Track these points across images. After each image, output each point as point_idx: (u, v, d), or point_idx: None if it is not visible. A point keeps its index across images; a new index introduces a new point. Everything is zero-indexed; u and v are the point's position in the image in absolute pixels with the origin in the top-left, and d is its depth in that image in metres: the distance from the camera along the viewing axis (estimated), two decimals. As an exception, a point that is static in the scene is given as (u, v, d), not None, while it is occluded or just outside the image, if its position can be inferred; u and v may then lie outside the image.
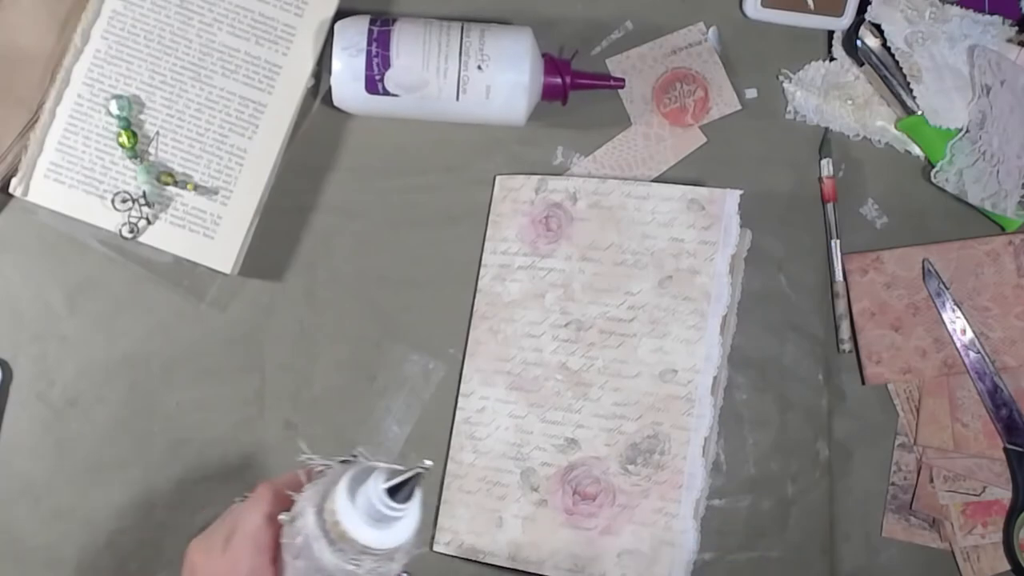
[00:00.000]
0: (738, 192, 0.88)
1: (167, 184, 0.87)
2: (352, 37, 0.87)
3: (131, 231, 0.87)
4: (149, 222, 0.88)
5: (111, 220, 0.87)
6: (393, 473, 0.62)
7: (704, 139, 0.93)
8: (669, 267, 0.89)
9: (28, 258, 0.90)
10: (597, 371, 0.89)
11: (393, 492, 0.61)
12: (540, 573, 0.88)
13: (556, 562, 0.87)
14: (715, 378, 0.87)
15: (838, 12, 0.92)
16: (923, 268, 0.92)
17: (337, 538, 0.62)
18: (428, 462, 0.61)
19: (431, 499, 0.91)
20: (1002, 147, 0.91)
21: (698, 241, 0.88)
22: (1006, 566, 0.91)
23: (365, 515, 0.62)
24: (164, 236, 0.88)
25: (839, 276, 0.92)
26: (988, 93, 0.91)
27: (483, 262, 0.92)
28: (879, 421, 0.92)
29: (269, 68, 0.89)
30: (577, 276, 0.90)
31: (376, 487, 0.61)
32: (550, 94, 0.90)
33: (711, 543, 0.89)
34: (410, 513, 0.63)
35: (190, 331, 0.91)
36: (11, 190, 0.87)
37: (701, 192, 0.89)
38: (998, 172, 0.91)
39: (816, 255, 0.93)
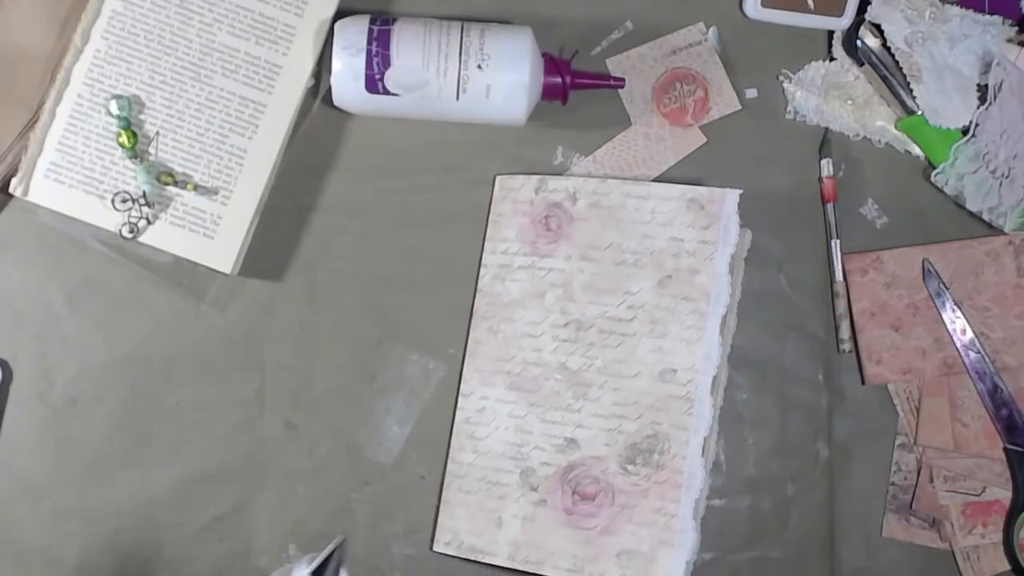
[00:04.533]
0: (737, 191, 0.88)
1: (167, 184, 0.87)
2: (352, 36, 0.87)
3: (131, 231, 0.87)
4: (149, 222, 0.88)
5: (111, 220, 0.88)
6: (313, 559, 0.63)
7: (704, 139, 0.93)
8: (669, 267, 0.89)
9: (28, 258, 0.90)
10: (596, 371, 0.89)
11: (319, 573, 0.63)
12: (539, 573, 0.88)
13: (555, 562, 0.87)
14: (715, 378, 0.87)
15: (838, 12, 0.92)
16: (923, 268, 0.92)
17: None
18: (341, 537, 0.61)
19: (431, 499, 0.91)
20: (1008, 162, 0.90)
21: (698, 240, 0.88)
22: (1006, 566, 0.91)
23: None
24: (164, 236, 0.88)
25: (839, 276, 0.92)
26: (997, 101, 0.90)
27: (483, 262, 0.92)
28: (879, 421, 0.92)
29: (269, 68, 0.89)
30: (577, 276, 0.90)
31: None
32: (550, 94, 0.90)
33: (711, 543, 0.89)
34: None
35: (190, 331, 0.91)
36: (11, 190, 0.87)
37: (700, 192, 0.89)
38: (1000, 185, 0.91)
39: (816, 255, 0.93)
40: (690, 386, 0.87)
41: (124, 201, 0.87)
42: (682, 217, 0.89)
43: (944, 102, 0.91)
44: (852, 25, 0.93)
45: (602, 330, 0.89)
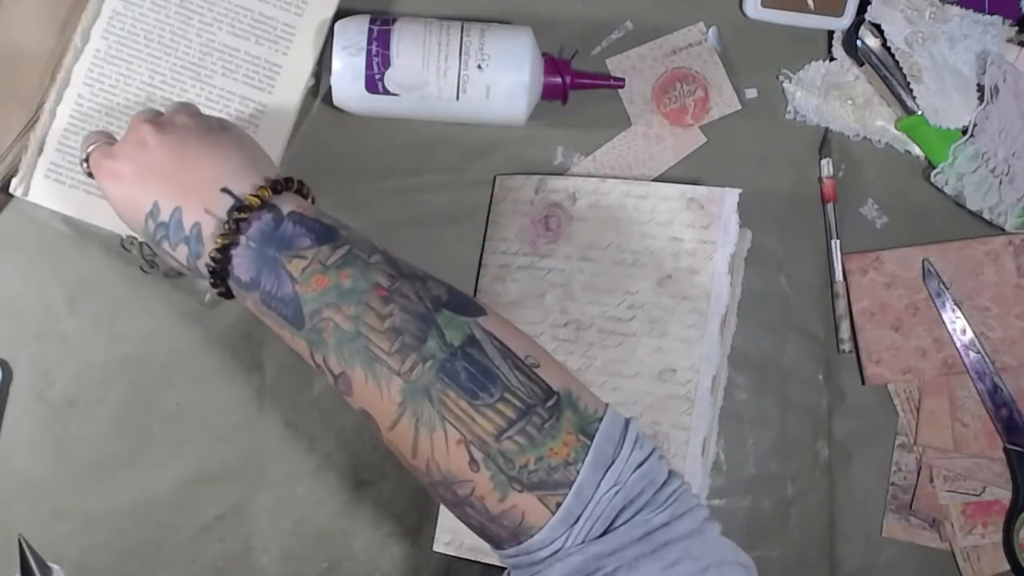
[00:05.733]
0: (737, 191, 0.88)
1: None
2: (352, 36, 0.87)
3: (151, 265, 0.88)
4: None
5: (111, 220, 0.87)
6: None
7: (704, 139, 0.93)
8: (668, 266, 0.89)
9: (28, 258, 0.90)
10: (596, 370, 0.89)
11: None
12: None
13: (556, 562, 0.87)
14: (715, 378, 0.87)
15: (838, 12, 0.92)
16: (923, 268, 0.92)
17: None
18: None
19: (431, 499, 0.91)
20: (1008, 160, 0.91)
21: (697, 240, 0.88)
22: (1006, 566, 0.91)
23: None
24: (164, 236, 0.88)
25: (839, 276, 0.92)
26: (995, 101, 0.90)
27: (483, 262, 0.92)
28: (879, 421, 0.92)
29: (269, 68, 0.89)
30: (576, 276, 0.90)
31: None
32: (550, 94, 0.90)
33: (711, 543, 0.89)
34: None
35: (190, 331, 0.91)
36: (11, 190, 0.87)
37: (700, 191, 0.89)
38: (1000, 183, 0.91)
39: (816, 255, 0.93)
40: (690, 386, 0.87)
41: (132, 243, 0.87)
42: (682, 217, 0.89)
43: (944, 102, 0.91)
44: (852, 25, 0.93)
45: (602, 330, 0.89)
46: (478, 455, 0.63)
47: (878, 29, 0.91)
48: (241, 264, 0.69)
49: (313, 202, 0.74)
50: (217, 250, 0.69)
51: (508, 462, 0.62)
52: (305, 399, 0.91)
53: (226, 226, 0.68)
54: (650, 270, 0.89)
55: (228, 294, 0.72)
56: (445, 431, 0.64)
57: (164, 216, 0.71)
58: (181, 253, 0.71)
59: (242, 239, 0.69)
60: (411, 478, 0.91)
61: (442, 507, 0.90)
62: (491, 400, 0.64)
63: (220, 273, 0.70)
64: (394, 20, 0.88)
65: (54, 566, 0.68)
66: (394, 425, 0.66)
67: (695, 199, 0.89)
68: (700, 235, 0.88)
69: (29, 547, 0.67)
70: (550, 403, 0.64)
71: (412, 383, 0.64)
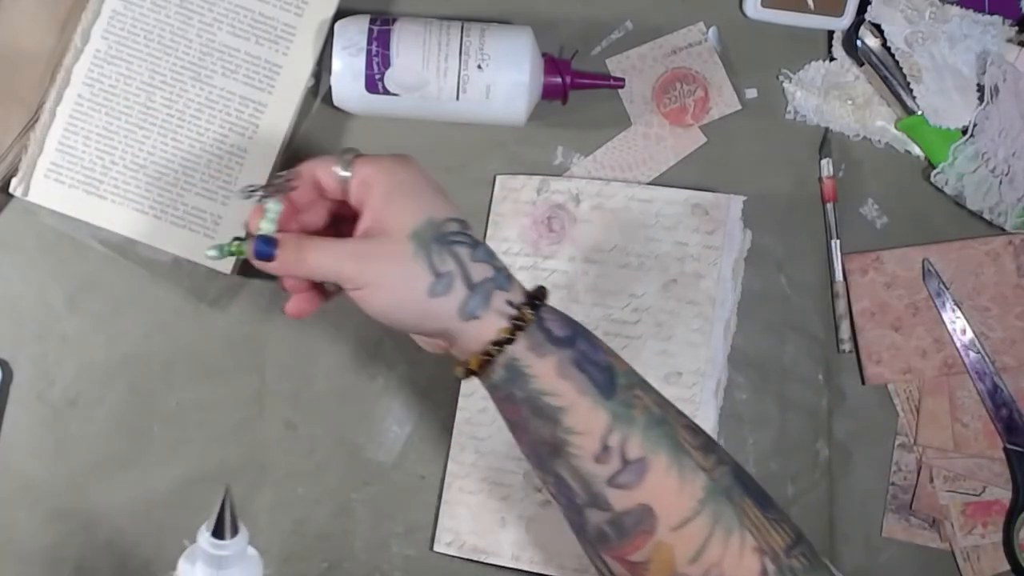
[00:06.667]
0: (741, 198, 0.89)
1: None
2: (352, 36, 0.87)
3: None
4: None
5: (111, 220, 0.87)
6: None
7: (704, 139, 0.93)
8: (674, 271, 0.89)
9: (28, 258, 0.90)
10: (602, 373, 0.89)
11: (218, 534, 0.67)
12: (545, 573, 0.87)
13: (561, 561, 0.87)
14: (717, 379, 0.87)
15: (838, 12, 0.92)
16: (923, 268, 0.92)
17: None
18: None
19: (432, 499, 0.91)
20: (1008, 160, 0.91)
21: (702, 246, 0.88)
22: (1006, 566, 0.91)
23: (205, 568, 0.68)
24: (164, 236, 0.88)
25: (839, 276, 0.92)
26: (995, 101, 0.91)
27: (484, 262, 0.92)
28: (879, 421, 0.92)
29: (269, 68, 0.89)
30: (581, 278, 0.90)
31: (203, 537, 0.67)
32: (550, 94, 0.90)
33: (711, 543, 0.89)
34: (241, 547, 0.68)
35: (190, 331, 0.91)
36: (11, 190, 0.87)
37: (705, 197, 0.89)
38: (1000, 183, 0.91)
39: (816, 255, 0.93)
40: (695, 388, 0.87)
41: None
42: (687, 222, 0.89)
43: (944, 102, 0.91)
44: (852, 25, 0.93)
45: (607, 332, 0.89)
46: (771, 567, 0.63)
47: (878, 29, 0.91)
48: (555, 321, 0.67)
49: None
50: (534, 294, 0.68)
51: None
52: (305, 399, 0.91)
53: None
54: (656, 274, 0.89)
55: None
56: (743, 537, 0.63)
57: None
58: (481, 271, 0.67)
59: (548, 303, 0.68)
60: (411, 478, 0.92)
61: (442, 507, 0.90)
62: (778, 516, 0.65)
63: (533, 309, 0.66)
64: (394, 20, 0.88)
65: (243, 527, 0.67)
66: (686, 522, 0.64)
67: (700, 204, 0.89)
68: (705, 240, 0.88)
69: (231, 503, 0.66)
70: (803, 535, 0.66)
71: (715, 481, 0.64)
